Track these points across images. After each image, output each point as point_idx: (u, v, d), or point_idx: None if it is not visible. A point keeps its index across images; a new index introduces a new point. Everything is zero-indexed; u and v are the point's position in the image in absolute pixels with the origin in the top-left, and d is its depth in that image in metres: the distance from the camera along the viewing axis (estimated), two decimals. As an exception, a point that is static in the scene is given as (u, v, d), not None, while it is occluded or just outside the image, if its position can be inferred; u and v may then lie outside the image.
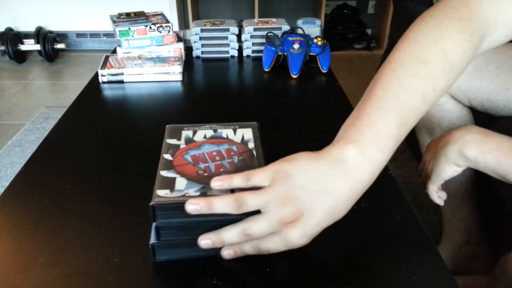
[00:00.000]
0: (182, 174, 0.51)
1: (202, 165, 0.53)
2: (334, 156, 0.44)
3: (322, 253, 0.51)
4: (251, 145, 0.58)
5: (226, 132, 0.61)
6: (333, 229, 0.55)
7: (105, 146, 0.75)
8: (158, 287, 0.46)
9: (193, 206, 0.43)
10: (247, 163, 0.54)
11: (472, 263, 0.90)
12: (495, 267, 0.63)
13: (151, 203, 0.46)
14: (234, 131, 0.61)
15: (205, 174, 0.51)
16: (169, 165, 0.52)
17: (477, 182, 0.87)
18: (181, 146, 0.57)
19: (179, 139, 0.58)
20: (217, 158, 0.55)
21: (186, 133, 0.60)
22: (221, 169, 0.52)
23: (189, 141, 0.58)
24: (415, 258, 0.50)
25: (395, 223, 0.55)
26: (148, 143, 0.75)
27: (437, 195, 0.68)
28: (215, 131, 0.60)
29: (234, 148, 0.57)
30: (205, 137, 0.59)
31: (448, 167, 0.60)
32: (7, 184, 0.63)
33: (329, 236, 0.54)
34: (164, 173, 0.51)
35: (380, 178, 0.64)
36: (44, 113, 1.89)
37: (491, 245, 0.90)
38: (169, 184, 0.49)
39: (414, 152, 1.42)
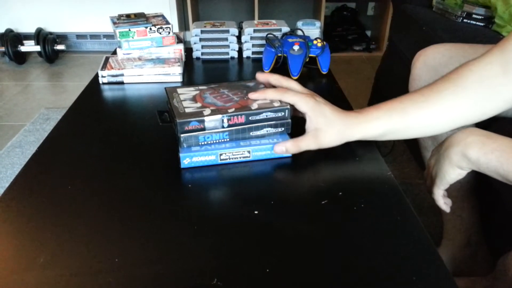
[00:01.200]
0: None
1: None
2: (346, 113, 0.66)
3: (321, 253, 0.51)
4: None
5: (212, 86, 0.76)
6: (333, 229, 0.55)
7: (105, 147, 0.75)
8: (157, 287, 0.46)
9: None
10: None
11: (472, 264, 0.90)
12: (496, 266, 0.63)
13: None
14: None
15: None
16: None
17: (477, 183, 0.88)
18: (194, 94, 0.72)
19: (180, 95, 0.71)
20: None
21: (185, 89, 0.73)
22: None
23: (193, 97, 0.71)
24: (415, 259, 0.50)
25: (394, 224, 0.55)
26: (148, 144, 0.75)
27: (443, 201, 0.68)
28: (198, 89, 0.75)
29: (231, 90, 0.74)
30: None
31: (452, 170, 0.61)
32: (7, 185, 0.63)
33: (329, 236, 0.54)
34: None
35: (379, 179, 0.65)
36: (44, 114, 1.89)
37: (491, 246, 0.90)
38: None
39: (414, 153, 1.42)
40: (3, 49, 2.50)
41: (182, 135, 0.65)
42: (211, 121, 0.65)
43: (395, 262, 0.49)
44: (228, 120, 0.66)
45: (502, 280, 0.59)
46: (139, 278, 0.47)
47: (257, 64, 1.15)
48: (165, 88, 0.74)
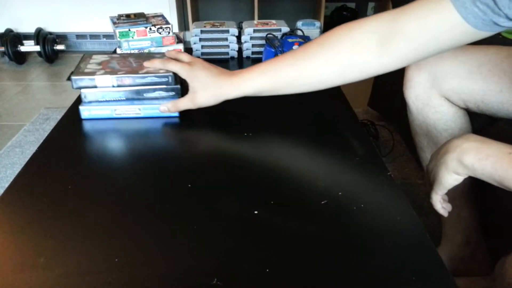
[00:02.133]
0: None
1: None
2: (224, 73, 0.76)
3: (321, 253, 0.51)
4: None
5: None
6: (332, 229, 0.55)
7: (105, 146, 0.75)
8: (157, 287, 0.46)
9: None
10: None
11: (472, 264, 0.90)
12: (494, 269, 0.63)
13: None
14: None
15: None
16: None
17: (475, 182, 0.88)
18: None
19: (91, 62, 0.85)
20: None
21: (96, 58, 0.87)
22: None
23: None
24: (415, 259, 0.50)
25: (394, 224, 0.55)
26: (148, 142, 0.75)
27: (441, 206, 0.68)
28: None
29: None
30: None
31: (449, 176, 0.61)
32: (7, 185, 0.63)
33: (328, 236, 0.54)
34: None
35: (379, 179, 0.65)
36: (44, 114, 1.89)
37: (490, 245, 0.90)
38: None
39: (414, 153, 1.42)
40: (3, 49, 2.50)
41: (82, 90, 0.80)
42: (101, 80, 0.79)
43: (395, 262, 0.49)
44: (117, 80, 0.79)
45: (500, 283, 0.59)
46: (139, 278, 0.47)
47: (257, 64, 1.15)
48: (84, 54, 0.88)
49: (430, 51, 0.61)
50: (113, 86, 0.79)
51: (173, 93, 0.82)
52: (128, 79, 0.79)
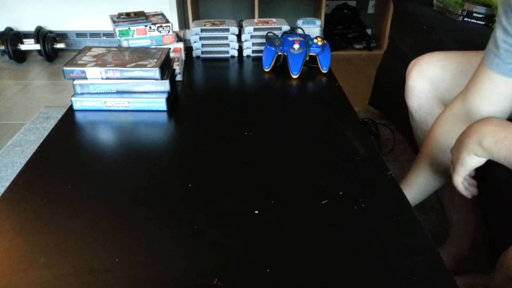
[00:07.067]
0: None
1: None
2: None
3: (321, 253, 0.51)
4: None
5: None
6: (333, 229, 0.55)
7: (106, 146, 0.75)
8: (158, 287, 0.46)
9: None
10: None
11: (475, 264, 0.90)
12: (497, 263, 0.63)
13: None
14: None
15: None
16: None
17: (483, 189, 0.87)
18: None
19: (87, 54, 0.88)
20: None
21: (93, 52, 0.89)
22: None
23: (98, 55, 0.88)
24: (415, 259, 0.50)
25: (395, 224, 0.55)
26: (149, 143, 0.75)
27: (464, 187, 0.68)
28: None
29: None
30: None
31: (469, 158, 0.63)
32: (7, 184, 0.63)
33: (329, 236, 0.54)
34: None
35: (380, 179, 0.65)
36: (44, 113, 1.89)
37: (493, 247, 0.90)
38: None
39: (415, 152, 1.42)
40: (3, 47, 2.50)
41: (74, 82, 0.84)
42: (91, 72, 0.82)
43: (395, 262, 0.49)
44: (105, 73, 0.82)
45: (500, 271, 0.59)
46: (140, 278, 0.47)
47: (257, 63, 1.15)
48: (85, 46, 0.91)
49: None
50: (102, 79, 0.82)
51: (163, 87, 0.84)
52: (115, 72, 0.81)
